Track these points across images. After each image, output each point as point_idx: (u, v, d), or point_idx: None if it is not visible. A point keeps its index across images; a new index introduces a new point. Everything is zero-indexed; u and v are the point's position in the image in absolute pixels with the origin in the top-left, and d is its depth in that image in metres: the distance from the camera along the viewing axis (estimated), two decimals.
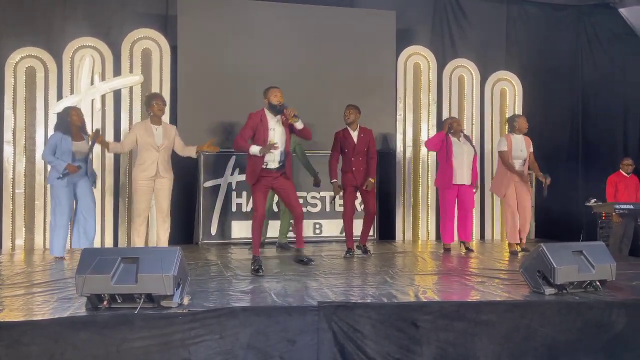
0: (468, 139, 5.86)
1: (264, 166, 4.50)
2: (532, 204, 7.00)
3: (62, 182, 4.95)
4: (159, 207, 5.03)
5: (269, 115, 4.53)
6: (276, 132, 4.52)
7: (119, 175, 6.16)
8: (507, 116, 6.94)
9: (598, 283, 3.49)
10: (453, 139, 5.68)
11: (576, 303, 3.26)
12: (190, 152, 5.12)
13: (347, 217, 5.36)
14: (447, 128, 5.68)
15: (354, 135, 5.34)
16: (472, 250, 5.70)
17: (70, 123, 5.03)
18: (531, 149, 5.66)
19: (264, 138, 4.47)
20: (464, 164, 5.63)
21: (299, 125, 4.52)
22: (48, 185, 5.94)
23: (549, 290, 3.39)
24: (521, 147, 5.56)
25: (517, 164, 5.55)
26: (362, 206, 5.62)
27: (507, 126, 5.89)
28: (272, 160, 4.51)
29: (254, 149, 4.42)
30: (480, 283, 3.88)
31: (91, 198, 5.17)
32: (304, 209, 6.41)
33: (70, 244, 5.26)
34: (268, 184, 4.57)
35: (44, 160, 5.38)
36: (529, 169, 5.67)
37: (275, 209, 6.24)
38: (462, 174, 5.62)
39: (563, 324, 3.19)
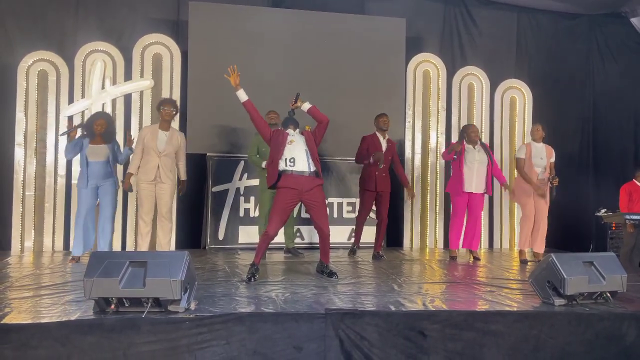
0: (485, 147, 5.75)
1: (289, 168, 4.19)
2: None
3: (83, 183, 5.09)
4: (160, 212, 5.13)
5: (289, 130, 4.41)
6: (296, 137, 4.35)
7: None
8: (523, 124, 6.97)
9: (609, 294, 3.45)
10: (468, 147, 5.65)
11: (586, 314, 3.22)
12: (179, 173, 5.22)
13: (360, 218, 5.75)
14: (466, 138, 5.68)
15: (383, 142, 5.64)
16: (478, 259, 5.66)
17: (93, 129, 5.13)
18: (552, 159, 5.65)
19: (284, 139, 4.29)
20: (475, 172, 5.58)
21: (305, 105, 4.32)
22: (59, 188, 6.05)
23: (558, 301, 3.35)
24: (541, 155, 5.59)
25: (538, 172, 5.59)
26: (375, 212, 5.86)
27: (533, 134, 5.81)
28: (298, 157, 4.21)
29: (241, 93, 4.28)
30: (489, 292, 3.84)
31: (110, 202, 5.18)
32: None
33: (98, 247, 5.29)
34: (294, 198, 4.19)
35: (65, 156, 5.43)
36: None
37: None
38: (472, 182, 5.58)
39: (573, 335, 3.15)
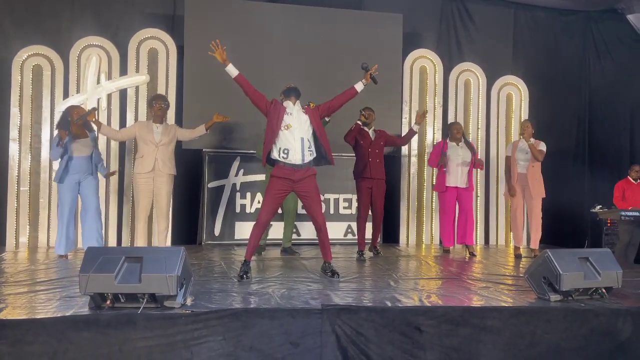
0: (469, 144, 5.91)
1: (281, 159, 4.05)
2: None
3: (64, 180, 5.00)
4: (158, 206, 5.12)
5: (288, 103, 4.16)
6: (294, 117, 4.08)
7: (123, 175, 6.17)
8: (520, 120, 7.04)
9: (604, 290, 3.46)
10: (450, 144, 5.80)
11: (582, 310, 3.23)
12: (200, 131, 5.25)
13: (361, 219, 5.45)
14: (449, 136, 5.87)
15: (370, 132, 5.56)
16: (474, 255, 5.69)
17: (70, 122, 5.02)
18: (540, 148, 5.65)
19: (279, 118, 4.04)
20: (458, 167, 5.72)
21: (360, 85, 4.35)
22: (54, 184, 6.00)
23: (554, 297, 3.36)
24: (527, 149, 5.62)
25: (520, 166, 5.69)
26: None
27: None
28: (292, 149, 4.02)
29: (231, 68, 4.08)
30: (485, 288, 3.85)
31: (93, 198, 5.11)
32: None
33: (82, 244, 5.25)
34: (286, 187, 4.07)
35: (50, 158, 5.44)
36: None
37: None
38: (457, 177, 5.73)
39: (568, 331, 3.16)
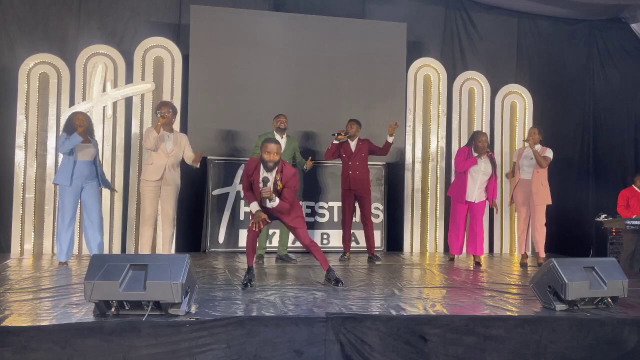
0: (491, 159, 5.69)
1: (263, 204, 4.18)
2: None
3: (66, 184, 4.97)
4: (164, 214, 5.10)
5: (266, 175, 4.17)
6: (274, 198, 4.15)
7: (129, 181, 6.19)
8: (524, 129, 7.08)
9: (610, 300, 3.45)
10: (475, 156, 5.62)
11: (587, 319, 3.22)
12: (190, 155, 5.18)
13: (343, 221, 5.87)
14: (474, 145, 5.62)
15: (352, 144, 5.79)
16: (480, 264, 5.65)
17: (75, 127, 4.95)
18: (546, 155, 5.64)
19: (257, 190, 4.16)
20: (477, 182, 5.63)
21: (272, 204, 4.13)
22: (57, 188, 6.02)
23: (559, 306, 3.35)
24: (531, 155, 5.59)
25: (525, 172, 5.70)
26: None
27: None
28: (272, 203, 4.14)
29: (253, 206, 4.16)
30: (490, 297, 3.84)
31: (95, 203, 5.10)
32: (312, 219, 6.44)
33: (79, 250, 5.25)
34: (270, 217, 4.24)
35: (62, 154, 5.16)
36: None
37: None
38: (473, 192, 5.65)
39: (574, 340, 3.15)
